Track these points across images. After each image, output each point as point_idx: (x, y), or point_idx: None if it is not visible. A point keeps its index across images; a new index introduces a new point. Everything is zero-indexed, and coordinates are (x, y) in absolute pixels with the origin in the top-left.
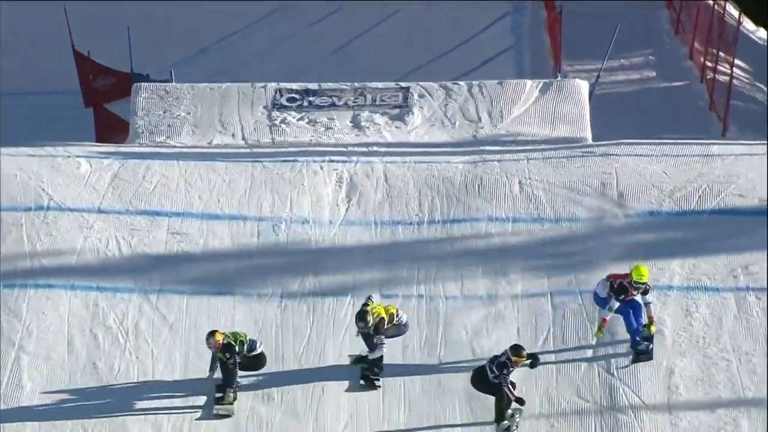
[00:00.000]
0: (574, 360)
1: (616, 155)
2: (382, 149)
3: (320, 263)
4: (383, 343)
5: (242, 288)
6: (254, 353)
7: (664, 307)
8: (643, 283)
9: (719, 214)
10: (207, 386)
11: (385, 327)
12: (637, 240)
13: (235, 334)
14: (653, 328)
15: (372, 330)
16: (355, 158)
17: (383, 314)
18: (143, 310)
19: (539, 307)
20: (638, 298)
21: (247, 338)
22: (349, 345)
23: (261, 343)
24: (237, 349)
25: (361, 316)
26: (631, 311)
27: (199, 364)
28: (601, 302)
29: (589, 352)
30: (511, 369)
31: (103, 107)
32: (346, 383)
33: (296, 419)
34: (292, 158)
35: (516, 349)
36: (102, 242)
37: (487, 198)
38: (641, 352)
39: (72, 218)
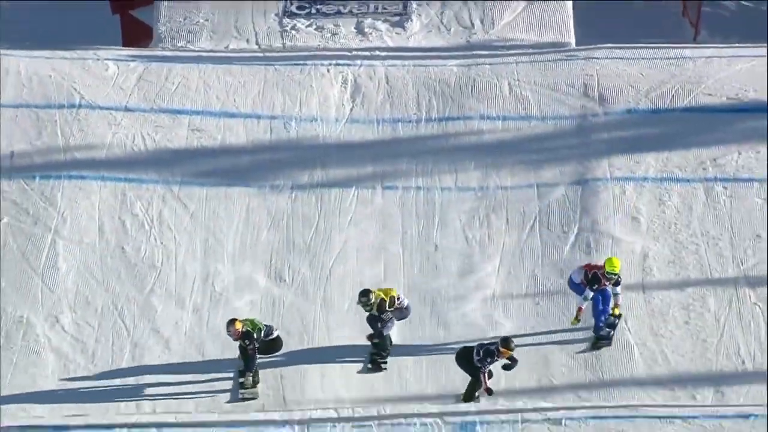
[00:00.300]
0: (557, 245)
1: (597, 58)
2: (384, 53)
3: (327, 158)
4: (391, 319)
5: (256, 180)
6: (271, 337)
7: (639, 197)
8: (615, 275)
9: (690, 111)
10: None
11: (387, 309)
12: (616, 136)
13: (253, 322)
14: (617, 311)
15: (375, 310)
16: (359, 62)
17: (384, 297)
18: (166, 200)
19: (526, 197)
20: (609, 288)
21: (264, 325)
22: (354, 233)
23: (277, 328)
24: (255, 335)
25: (365, 292)
26: (600, 299)
27: (217, 250)
28: (575, 287)
29: (572, 238)
30: (495, 359)
31: (128, 14)
32: (350, 267)
33: (306, 298)
34: (301, 62)
35: (506, 341)
36: (129, 138)
37: (479, 98)
38: (602, 338)
39: (101, 115)
